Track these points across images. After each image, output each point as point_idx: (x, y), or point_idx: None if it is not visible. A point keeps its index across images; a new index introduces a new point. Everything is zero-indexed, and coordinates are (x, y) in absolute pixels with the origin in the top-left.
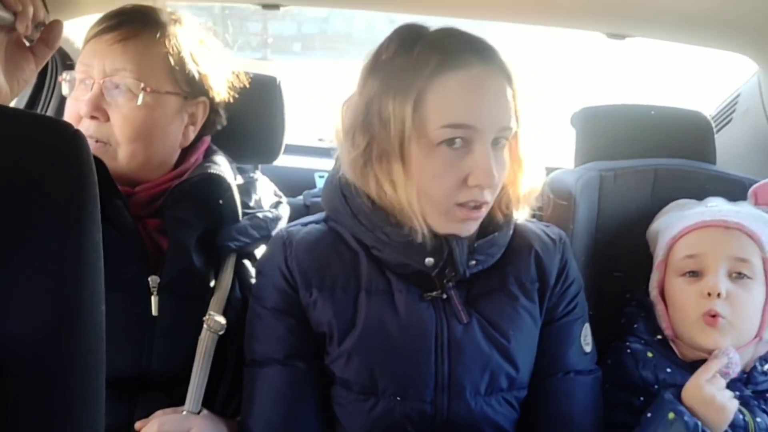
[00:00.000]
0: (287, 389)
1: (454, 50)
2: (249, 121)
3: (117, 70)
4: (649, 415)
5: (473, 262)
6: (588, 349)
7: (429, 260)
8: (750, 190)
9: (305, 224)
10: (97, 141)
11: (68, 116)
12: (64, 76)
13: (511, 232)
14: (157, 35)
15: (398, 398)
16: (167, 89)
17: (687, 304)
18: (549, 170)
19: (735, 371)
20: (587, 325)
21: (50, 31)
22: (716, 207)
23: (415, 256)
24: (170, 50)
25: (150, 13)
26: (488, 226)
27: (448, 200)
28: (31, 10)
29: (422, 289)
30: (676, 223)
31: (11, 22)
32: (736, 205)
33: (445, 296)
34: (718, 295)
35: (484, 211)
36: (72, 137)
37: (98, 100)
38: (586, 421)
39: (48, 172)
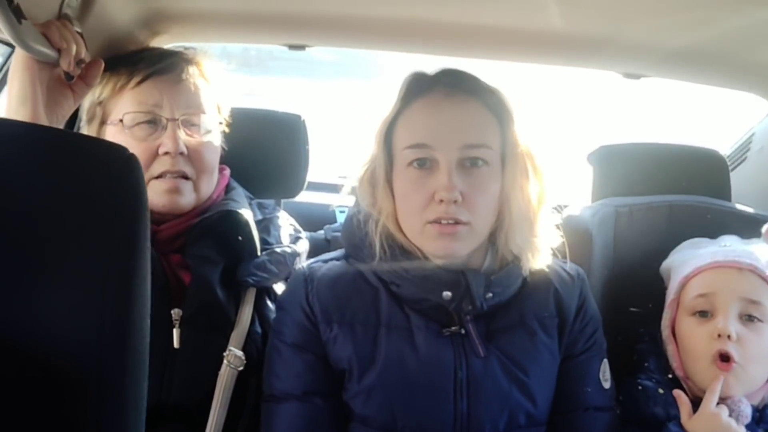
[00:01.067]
0: (305, 426)
1: (422, 81)
2: (273, 157)
3: (189, 107)
4: None
5: (490, 295)
6: (607, 385)
7: (447, 294)
8: (764, 228)
9: (326, 261)
10: (182, 177)
11: (138, 155)
12: (123, 119)
13: (528, 265)
14: (199, 72)
15: None
16: (219, 122)
17: (697, 345)
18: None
19: (744, 422)
20: (606, 361)
21: (90, 68)
22: (730, 247)
23: (433, 289)
24: (211, 85)
25: (186, 54)
26: (503, 262)
27: (419, 218)
28: (74, 48)
29: (441, 324)
30: (689, 261)
31: (55, 59)
32: (750, 245)
33: (463, 331)
34: (729, 337)
35: (460, 229)
36: (128, 160)
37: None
38: None
39: (105, 192)
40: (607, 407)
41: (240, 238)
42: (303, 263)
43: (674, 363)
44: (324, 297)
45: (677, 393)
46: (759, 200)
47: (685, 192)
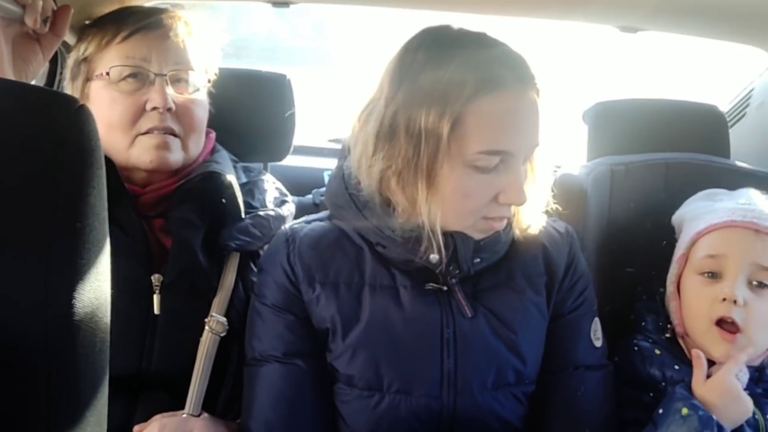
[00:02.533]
0: (286, 388)
1: (492, 69)
2: (258, 119)
3: (178, 64)
4: (661, 411)
5: (478, 260)
6: (598, 344)
7: (434, 257)
8: None
9: (309, 222)
10: (170, 133)
11: (124, 110)
12: (110, 72)
13: (516, 230)
14: (187, 30)
15: (404, 394)
16: (208, 80)
17: (701, 307)
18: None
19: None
20: (597, 320)
21: (58, 17)
22: (749, 206)
23: (421, 252)
24: (200, 44)
25: (174, 11)
26: None
27: (475, 216)
28: (40, 3)
29: (427, 284)
30: (704, 215)
31: (20, 16)
32: None
33: (446, 288)
34: (735, 302)
35: (506, 222)
36: (78, 111)
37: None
38: (597, 416)
39: (49, 146)
40: (598, 365)
41: (224, 200)
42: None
43: (675, 320)
44: (306, 257)
45: (696, 353)
46: (759, 156)
47: (683, 149)
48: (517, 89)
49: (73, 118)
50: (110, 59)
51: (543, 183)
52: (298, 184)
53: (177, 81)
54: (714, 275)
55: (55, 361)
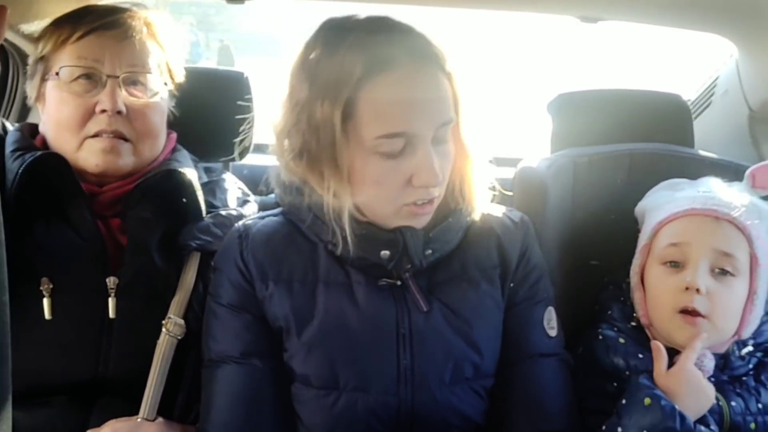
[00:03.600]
0: (244, 389)
1: (382, 49)
2: (216, 118)
3: (134, 66)
4: (624, 401)
5: (429, 252)
6: (553, 333)
7: (384, 253)
8: (748, 171)
9: (262, 217)
10: (120, 137)
11: (72, 111)
12: (60, 72)
13: (468, 219)
14: (147, 31)
15: (361, 391)
16: (165, 82)
17: (664, 296)
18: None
19: (705, 376)
20: (551, 309)
21: None
22: (709, 193)
23: (371, 249)
24: (161, 45)
25: (135, 11)
26: (441, 215)
27: (394, 202)
28: None
29: (380, 279)
30: (665, 205)
31: None
32: (731, 191)
33: (399, 283)
34: (697, 290)
35: (434, 205)
36: None
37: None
38: (556, 404)
39: None
40: (552, 353)
41: (184, 200)
42: None
43: (640, 311)
44: (259, 254)
45: (655, 344)
46: (724, 145)
47: (647, 139)
48: (410, 66)
49: None
50: (63, 59)
51: (478, 160)
52: (260, 183)
53: (132, 83)
54: (677, 264)
55: None
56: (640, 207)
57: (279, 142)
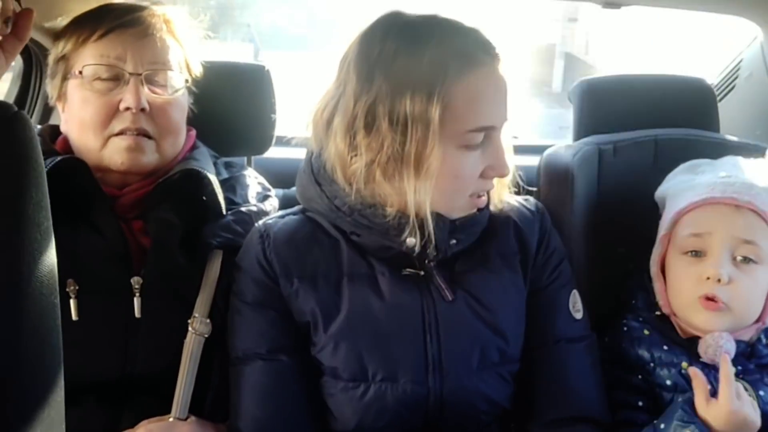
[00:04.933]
0: (272, 384)
1: (467, 48)
2: (238, 112)
3: (155, 64)
4: (663, 426)
5: (454, 242)
6: (578, 315)
7: (411, 240)
8: None
9: (282, 216)
10: (144, 135)
11: (96, 110)
12: (83, 71)
13: (491, 207)
14: (167, 27)
15: (389, 382)
16: (186, 79)
17: (686, 286)
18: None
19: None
20: (575, 292)
21: (20, 21)
22: (729, 179)
23: (396, 237)
24: (179, 41)
25: (154, 8)
26: None
27: (464, 195)
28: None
29: (404, 269)
30: (684, 193)
31: None
32: (752, 173)
33: (423, 273)
34: (719, 280)
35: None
36: (12, 119)
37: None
38: (583, 386)
39: None
40: (579, 337)
41: (204, 198)
42: None
43: (661, 301)
44: (282, 252)
45: (693, 372)
46: (749, 128)
47: (671, 125)
48: (491, 65)
49: (7, 125)
50: (85, 58)
51: (511, 157)
52: (283, 176)
53: (153, 81)
54: (698, 254)
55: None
56: (661, 192)
57: (343, 140)
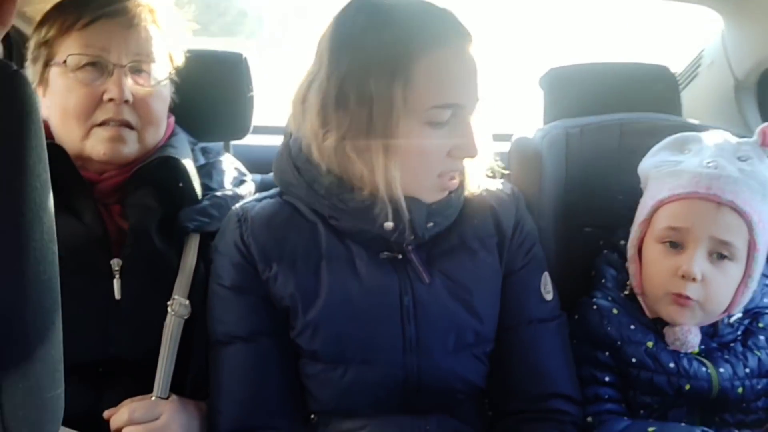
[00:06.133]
0: (252, 366)
1: (434, 26)
2: (216, 99)
3: (139, 55)
4: None
5: (431, 224)
6: (549, 297)
7: (388, 224)
8: (759, 129)
9: (259, 200)
10: (126, 125)
11: (80, 100)
12: (67, 60)
13: (465, 192)
14: (151, 18)
15: (368, 364)
16: (169, 70)
17: (659, 277)
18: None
19: (688, 350)
20: (546, 274)
21: (3, 5)
22: (715, 171)
23: (374, 221)
24: (163, 32)
25: None
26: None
27: (432, 174)
28: None
29: (382, 252)
30: (667, 178)
31: None
32: (738, 163)
33: (400, 256)
34: (693, 279)
35: (458, 181)
36: (11, 77)
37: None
38: (555, 364)
39: None
40: (550, 318)
41: (181, 184)
42: None
43: (634, 281)
44: (260, 236)
45: None
46: (712, 115)
47: (636, 110)
48: (459, 44)
49: (6, 81)
50: (69, 46)
51: (486, 139)
52: (260, 162)
53: (137, 72)
54: (675, 245)
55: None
56: (644, 168)
57: (317, 118)
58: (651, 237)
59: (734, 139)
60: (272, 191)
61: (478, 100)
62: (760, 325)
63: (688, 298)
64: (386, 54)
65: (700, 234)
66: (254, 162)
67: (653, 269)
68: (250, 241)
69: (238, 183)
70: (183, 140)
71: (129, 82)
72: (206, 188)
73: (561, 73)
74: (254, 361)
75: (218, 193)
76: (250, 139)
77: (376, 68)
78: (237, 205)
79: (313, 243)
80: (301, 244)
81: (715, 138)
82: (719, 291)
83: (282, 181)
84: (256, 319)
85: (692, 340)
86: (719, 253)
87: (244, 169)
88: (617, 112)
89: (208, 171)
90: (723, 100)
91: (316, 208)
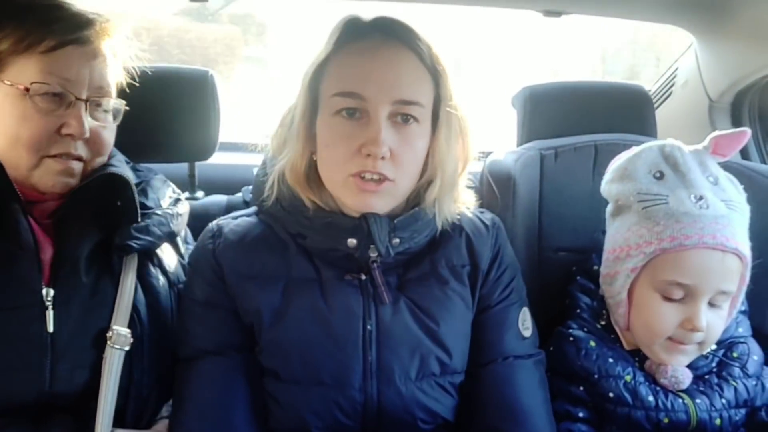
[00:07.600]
0: (220, 378)
1: (357, 26)
2: (181, 118)
3: (101, 89)
4: None
5: (397, 240)
6: (527, 333)
7: (351, 241)
8: (711, 135)
9: (235, 217)
10: (78, 159)
11: (37, 130)
12: (31, 87)
13: (438, 215)
14: (111, 50)
15: (328, 386)
16: (121, 101)
17: (660, 326)
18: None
19: (679, 388)
20: (525, 309)
21: None
22: (709, 210)
23: (338, 237)
24: (120, 62)
25: (103, 23)
26: (410, 206)
27: (342, 169)
28: None
29: (347, 274)
30: (664, 221)
31: None
32: (715, 185)
33: (364, 277)
34: (700, 330)
35: (386, 187)
36: None
37: None
38: (530, 403)
39: None
40: (527, 355)
41: (119, 203)
42: (183, 225)
43: (621, 324)
44: (231, 252)
45: None
46: (686, 134)
47: (611, 130)
48: (377, 41)
49: None
50: (29, 69)
51: (455, 159)
52: (227, 182)
53: (96, 106)
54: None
55: None
56: (620, 191)
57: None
58: (648, 284)
59: (686, 149)
60: (250, 210)
61: (407, 104)
62: (735, 354)
63: (686, 342)
64: (317, 54)
65: (708, 288)
66: (220, 182)
67: (651, 318)
68: (222, 257)
69: (174, 202)
70: (122, 160)
71: (88, 118)
72: (142, 207)
73: (534, 91)
74: (221, 373)
75: (158, 212)
76: (215, 158)
77: (308, 67)
78: (213, 222)
79: (283, 263)
80: (271, 263)
81: (674, 157)
82: (717, 331)
83: (257, 196)
84: (225, 332)
85: (683, 379)
86: (715, 303)
87: (176, 188)
88: (592, 132)
89: (143, 189)
90: (697, 119)
91: (287, 227)
